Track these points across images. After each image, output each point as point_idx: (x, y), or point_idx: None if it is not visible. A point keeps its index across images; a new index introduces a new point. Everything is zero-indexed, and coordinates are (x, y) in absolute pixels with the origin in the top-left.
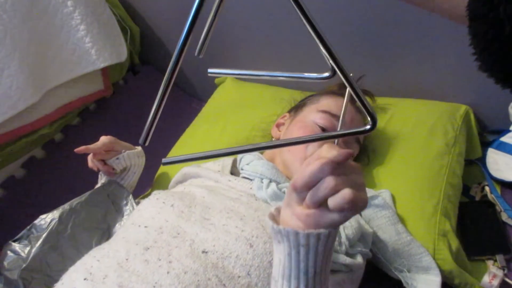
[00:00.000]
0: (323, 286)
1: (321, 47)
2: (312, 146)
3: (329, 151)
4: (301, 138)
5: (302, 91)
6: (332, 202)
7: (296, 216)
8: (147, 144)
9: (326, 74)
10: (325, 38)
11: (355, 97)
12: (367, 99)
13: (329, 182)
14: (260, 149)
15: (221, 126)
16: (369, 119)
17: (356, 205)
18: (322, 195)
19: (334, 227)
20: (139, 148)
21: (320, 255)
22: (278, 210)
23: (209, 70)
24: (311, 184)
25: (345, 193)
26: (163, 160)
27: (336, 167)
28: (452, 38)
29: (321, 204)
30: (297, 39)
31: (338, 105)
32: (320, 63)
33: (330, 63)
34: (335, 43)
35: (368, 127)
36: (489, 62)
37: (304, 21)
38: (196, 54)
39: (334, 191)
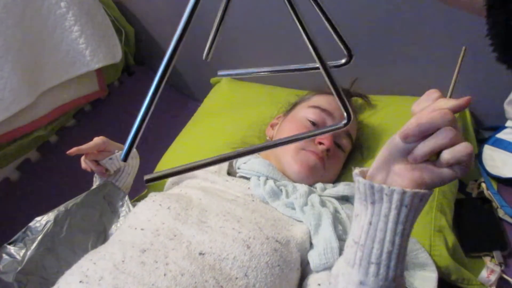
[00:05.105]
0: (407, 247)
1: (333, 34)
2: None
3: (447, 103)
4: (292, 137)
5: (298, 90)
6: (449, 154)
7: (395, 172)
8: (127, 161)
9: (343, 61)
10: (305, 31)
11: (332, 90)
12: (359, 100)
13: (449, 131)
14: (256, 151)
15: (217, 126)
16: (344, 114)
17: (471, 163)
18: (440, 144)
19: (439, 185)
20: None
21: (416, 217)
22: (363, 172)
23: (219, 73)
24: (427, 132)
25: (466, 146)
26: (145, 177)
27: (455, 120)
28: (449, 35)
29: (429, 158)
30: (299, 38)
31: (328, 101)
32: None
33: (345, 50)
34: (333, 42)
35: (344, 121)
36: (508, 53)
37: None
38: (204, 58)
39: (453, 142)
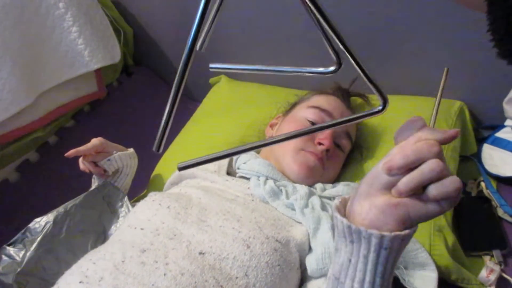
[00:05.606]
0: (391, 282)
1: (325, 38)
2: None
3: (432, 133)
4: (303, 130)
5: (297, 89)
6: (436, 190)
7: (377, 207)
8: (160, 151)
9: (332, 68)
10: (331, 27)
11: (365, 80)
12: (358, 99)
13: (436, 164)
14: (274, 143)
15: (216, 126)
16: (380, 100)
17: (459, 197)
18: (427, 177)
19: (425, 221)
20: (131, 149)
21: (399, 255)
22: (343, 202)
23: (211, 65)
24: (413, 165)
25: (454, 180)
26: (179, 165)
27: (442, 151)
28: (447, 34)
29: (414, 192)
30: (296, 36)
31: (328, 102)
32: (320, 63)
33: (335, 57)
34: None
35: (379, 108)
36: (509, 48)
37: (314, 9)
38: (197, 48)
39: (440, 176)
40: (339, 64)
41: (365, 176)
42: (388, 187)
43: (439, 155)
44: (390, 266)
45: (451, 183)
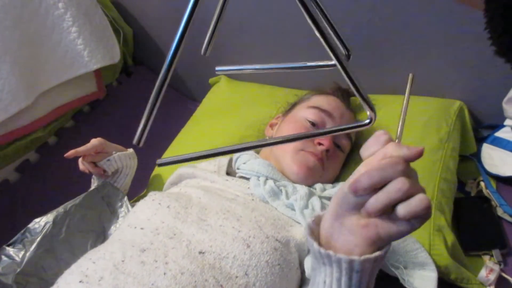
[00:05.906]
0: None
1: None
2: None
3: (397, 149)
4: (299, 135)
5: (297, 89)
6: (405, 208)
7: (347, 229)
8: (141, 145)
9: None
10: (320, 32)
11: (353, 88)
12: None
13: (403, 183)
14: (256, 147)
15: (216, 125)
16: (368, 113)
17: (429, 214)
18: (393, 198)
19: (397, 239)
20: (130, 150)
21: (374, 275)
22: (316, 222)
23: (217, 68)
24: (378, 185)
25: (422, 199)
26: (158, 161)
27: (408, 168)
28: (446, 34)
29: (383, 212)
30: (293, 36)
31: (328, 102)
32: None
33: (343, 49)
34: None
35: (367, 121)
36: (506, 46)
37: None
38: (202, 53)
39: (408, 195)
40: (348, 56)
41: (334, 195)
42: (357, 207)
43: (405, 173)
44: (365, 286)
45: (418, 202)
